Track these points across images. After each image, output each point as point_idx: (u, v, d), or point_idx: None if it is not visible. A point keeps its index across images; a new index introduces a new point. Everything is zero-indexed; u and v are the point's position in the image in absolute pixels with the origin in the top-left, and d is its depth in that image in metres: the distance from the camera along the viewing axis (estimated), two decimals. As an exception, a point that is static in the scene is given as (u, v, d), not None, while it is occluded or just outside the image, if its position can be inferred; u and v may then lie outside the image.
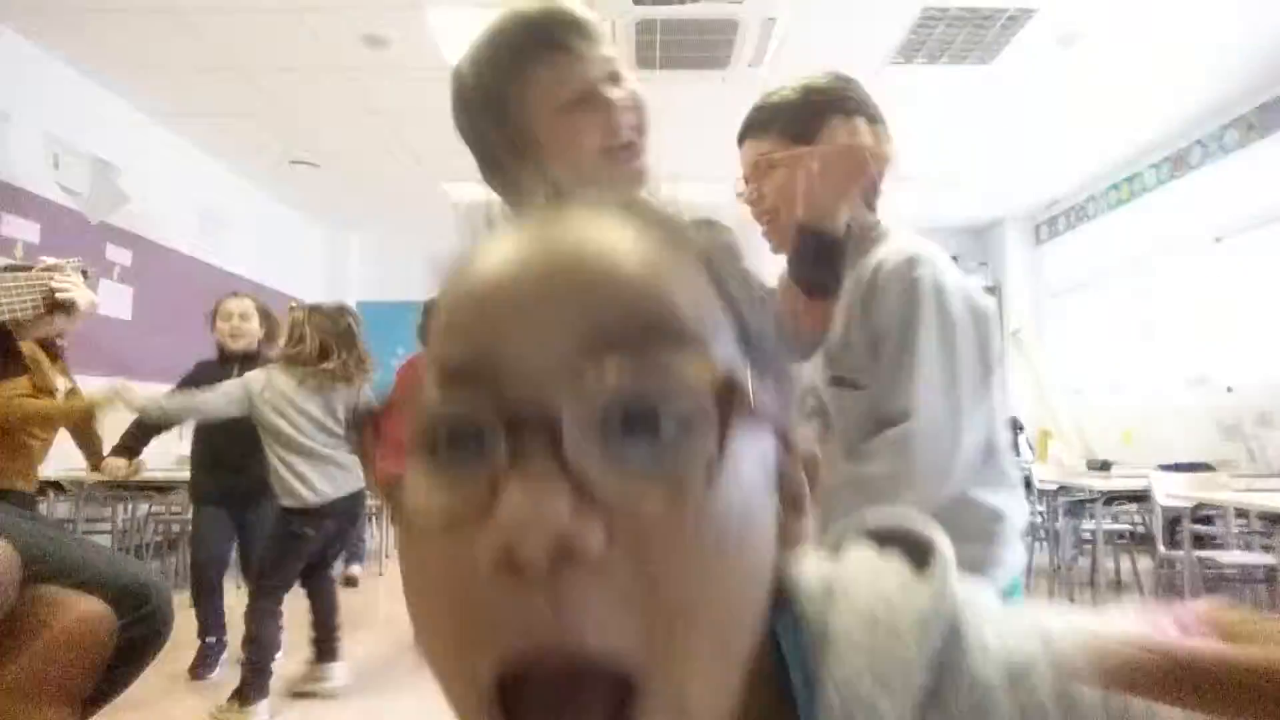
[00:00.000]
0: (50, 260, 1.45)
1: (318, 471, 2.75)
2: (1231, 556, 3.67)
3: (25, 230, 4.21)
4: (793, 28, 4.02)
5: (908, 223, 1.15)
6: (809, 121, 1.06)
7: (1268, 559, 3.53)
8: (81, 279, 1.44)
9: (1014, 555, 1.04)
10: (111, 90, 4.84)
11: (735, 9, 3.82)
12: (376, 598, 4.17)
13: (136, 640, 1.24)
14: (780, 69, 4.36)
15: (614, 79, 0.90)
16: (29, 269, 1.42)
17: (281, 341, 3.00)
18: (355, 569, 4.98)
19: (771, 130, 1.09)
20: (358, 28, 4.11)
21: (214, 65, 4.50)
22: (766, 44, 4.15)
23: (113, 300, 4.78)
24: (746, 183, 1.12)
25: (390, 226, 8.04)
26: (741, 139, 1.14)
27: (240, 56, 4.41)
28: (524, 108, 0.87)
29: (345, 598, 4.72)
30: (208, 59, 4.42)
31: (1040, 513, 5.17)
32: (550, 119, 0.87)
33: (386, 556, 5.44)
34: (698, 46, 4.19)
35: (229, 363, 3.14)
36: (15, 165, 4.19)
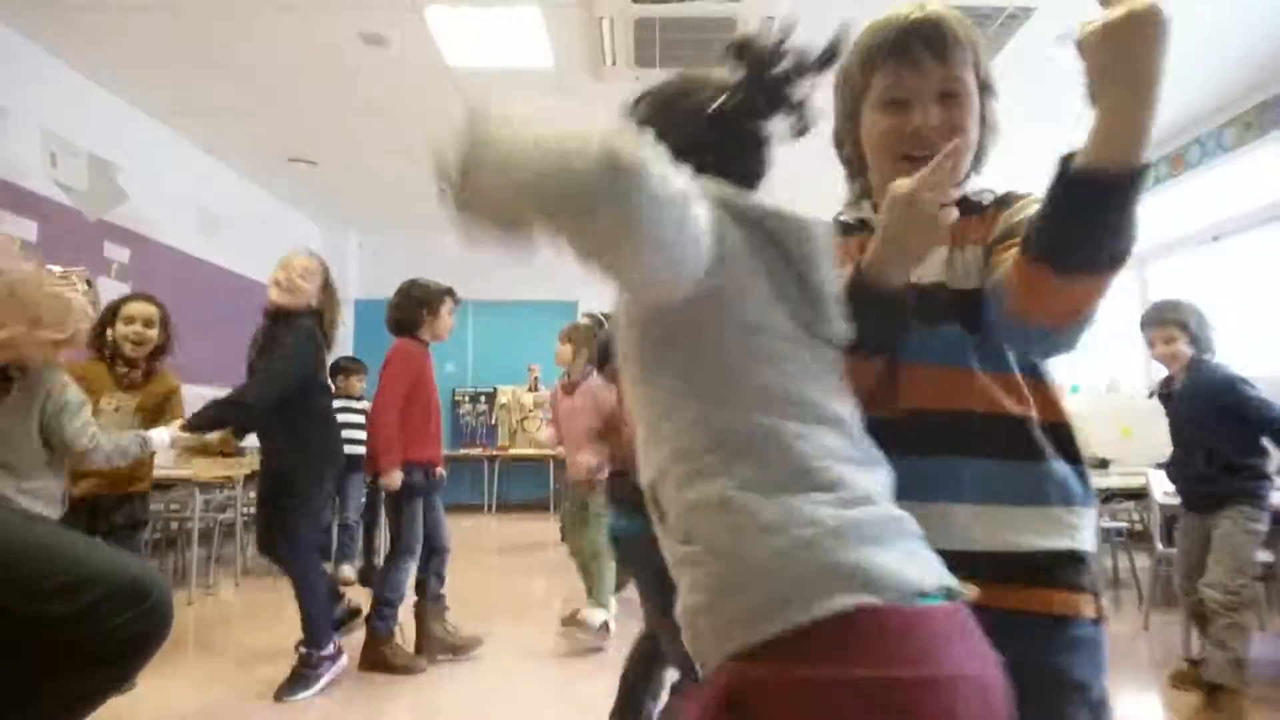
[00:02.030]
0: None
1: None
2: (1229, 554, 3.66)
3: (23, 228, 4.21)
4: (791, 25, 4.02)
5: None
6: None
7: (1265, 556, 3.53)
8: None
9: None
10: (109, 88, 4.84)
11: (734, 7, 3.82)
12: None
13: (136, 637, 1.24)
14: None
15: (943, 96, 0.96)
16: None
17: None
18: (347, 569, 4.90)
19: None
20: (356, 26, 4.11)
21: (212, 63, 4.50)
22: (765, 42, 4.16)
23: (110, 298, 4.77)
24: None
25: (389, 224, 8.04)
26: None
27: (239, 54, 4.41)
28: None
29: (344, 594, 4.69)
30: (206, 56, 4.42)
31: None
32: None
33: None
34: (697, 45, 4.19)
35: (268, 318, 2.88)
36: (13, 163, 4.19)
